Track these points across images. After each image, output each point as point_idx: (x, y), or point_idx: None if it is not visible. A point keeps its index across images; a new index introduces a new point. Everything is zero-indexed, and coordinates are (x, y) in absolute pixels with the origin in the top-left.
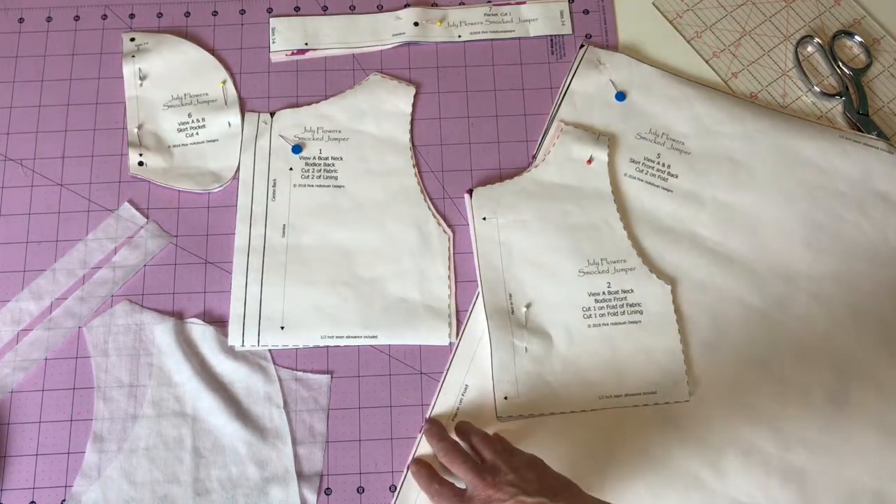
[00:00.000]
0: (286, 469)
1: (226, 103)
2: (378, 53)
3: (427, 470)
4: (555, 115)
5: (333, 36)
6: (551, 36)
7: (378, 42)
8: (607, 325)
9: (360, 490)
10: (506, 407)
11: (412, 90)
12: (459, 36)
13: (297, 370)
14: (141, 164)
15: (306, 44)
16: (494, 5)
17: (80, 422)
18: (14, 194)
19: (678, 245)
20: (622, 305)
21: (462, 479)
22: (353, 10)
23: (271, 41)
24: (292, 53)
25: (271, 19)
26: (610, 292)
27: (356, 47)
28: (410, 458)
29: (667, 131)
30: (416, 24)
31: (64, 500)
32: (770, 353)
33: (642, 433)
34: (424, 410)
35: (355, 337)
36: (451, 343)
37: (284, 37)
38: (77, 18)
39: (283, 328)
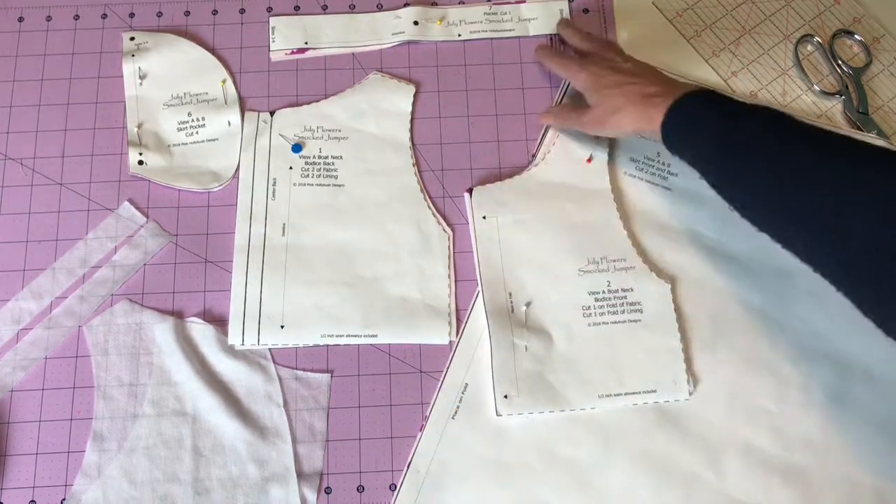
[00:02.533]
0: (286, 468)
1: (226, 102)
2: (378, 52)
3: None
4: None
5: (333, 35)
6: (551, 35)
7: (378, 41)
8: (607, 323)
9: (360, 489)
10: (505, 405)
11: (412, 89)
12: (459, 35)
13: (297, 369)
14: (141, 163)
15: (306, 42)
16: (494, 4)
17: (80, 421)
18: (14, 193)
19: (678, 244)
20: (622, 304)
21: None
22: (352, 8)
23: (271, 40)
24: (292, 52)
25: (271, 18)
26: (610, 291)
27: (356, 46)
28: (411, 456)
29: None
30: (415, 22)
31: (64, 500)
32: (770, 351)
33: (642, 432)
34: (424, 409)
35: (355, 336)
36: (450, 342)
37: (284, 35)
38: (77, 17)
39: (283, 327)
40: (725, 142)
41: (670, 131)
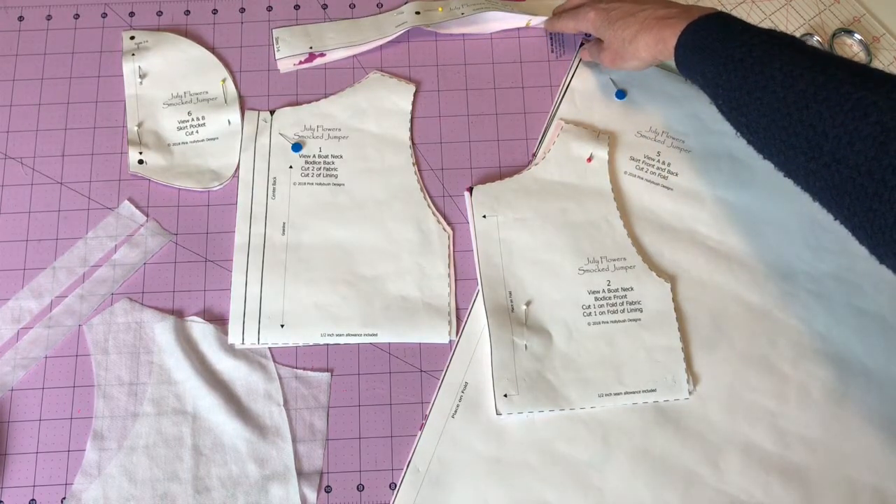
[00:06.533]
0: (286, 467)
1: (226, 101)
2: (378, 51)
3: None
4: (555, 113)
5: (337, 38)
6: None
7: (382, 35)
8: (607, 322)
9: (360, 488)
10: (505, 404)
11: (412, 88)
12: (462, 14)
13: (297, 368)
14: (141, 162)
15: (311, 47)
16: None
17: (81, 420)
18: (14, 192)
19: (678, 243)
20: (622, 303)
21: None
22: (352, 7)
23: (275, 49)
24: (301, 62)
25: (273, 30)
26: (610, 290)
27: (361, 44)
28: (411, 455)
29: (667, 129)
30: (417, 13)
31: (64, 498)
32: (770, 351)
33: (642, 431)
34: (424, 408)
35: (355, 335)
36: (450, 341)
37: (288, 44)
38: (77, 17)
39: (283, 326)
40: (735, 64)
41: (684, 56)
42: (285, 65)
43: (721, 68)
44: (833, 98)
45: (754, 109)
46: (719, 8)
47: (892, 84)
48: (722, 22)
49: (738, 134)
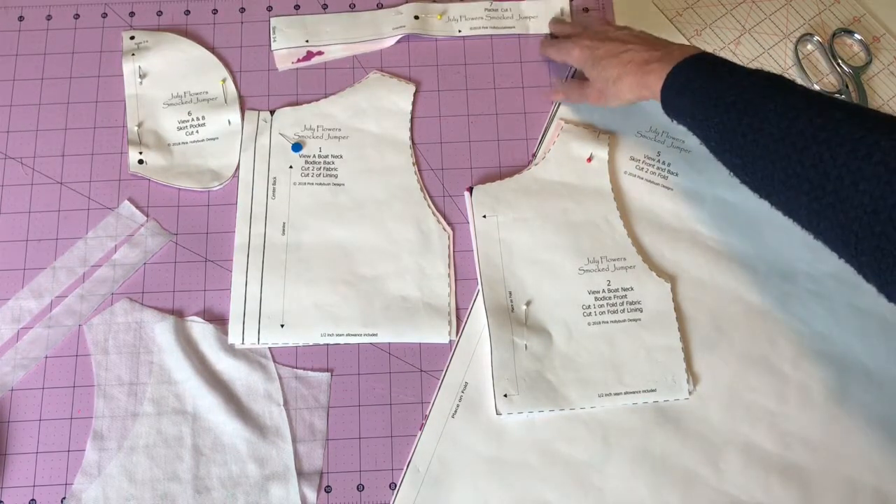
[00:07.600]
0: (286, 467)
1: (226, 101)
2: (378, 51)
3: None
4: (555, 113)
5: (334, 33)
6: (552, 33)
7: (378, 35)
8: (607, 322)
9: (360, 488)
10: (505, 404)
11: (412, 88)
12: (459, 31)
13: (297, 368)
14: (141, 162)
15: (307, 41)
16: (495, 1)
17: (81, 420)
18: (14, 192)
19: (678, 243)
20: (622, 303)
21: (581, 47)
22: (352, 7)
23: (272, 40)
24: (298, 60)
25: (271, 18)
26: (610, 290)
27: (357, 42)
28: (411, 455)
29: (667, 129)
30: (416, 17)
31: (64, 498)
32: (770, 351)
33: (642, 431)
34: (424, 408)
35: (355, 335)
36: (450, 341)
37: (285, 35)
38: (77, 17)
39: (283, 326)
40: (726, 107)
41: (670, 99)
42: (282, 58)
43: (712, 111)
44: (834, 139)
45: (749, 151)
46: (721, 10)
47: (890, 124)
48: (708, 65)
49: (732, 174)
